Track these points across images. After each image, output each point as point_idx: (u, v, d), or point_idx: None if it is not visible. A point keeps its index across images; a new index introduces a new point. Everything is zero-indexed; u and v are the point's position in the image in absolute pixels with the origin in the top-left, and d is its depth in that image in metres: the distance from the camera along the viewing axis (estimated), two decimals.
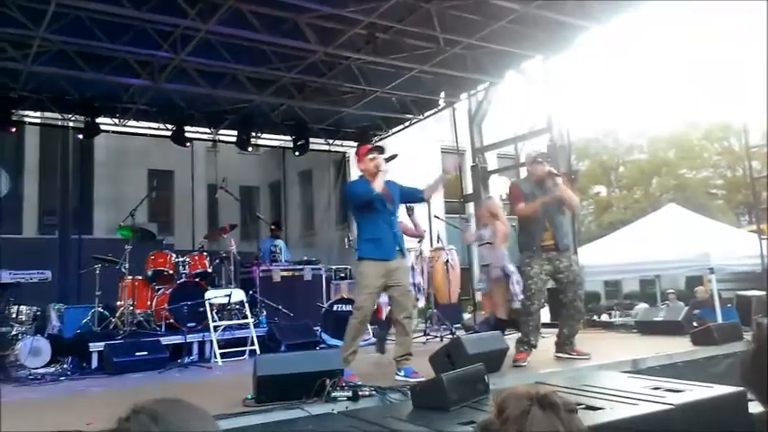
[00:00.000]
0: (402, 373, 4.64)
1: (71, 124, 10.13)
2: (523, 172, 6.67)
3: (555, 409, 1.18)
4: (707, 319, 7.96)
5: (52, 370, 6.21)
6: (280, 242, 9.39)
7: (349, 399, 3.63)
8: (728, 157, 25.89)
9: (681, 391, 3.33)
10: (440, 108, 11.48)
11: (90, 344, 6.33)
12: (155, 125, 10.92)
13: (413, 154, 17.06)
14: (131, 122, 10.68)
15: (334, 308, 7.79)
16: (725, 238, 11.60)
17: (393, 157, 5.94)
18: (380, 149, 4.92)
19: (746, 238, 11.26)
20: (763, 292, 8.91)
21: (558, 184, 5.31)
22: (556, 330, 5.54)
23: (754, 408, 3.00)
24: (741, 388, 3.12)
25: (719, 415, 3.11)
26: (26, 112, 9.92)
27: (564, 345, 5.34)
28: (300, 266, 9.00)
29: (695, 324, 7.21)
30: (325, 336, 7.50)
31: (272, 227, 9.91)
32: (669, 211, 13.52)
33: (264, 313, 8.04)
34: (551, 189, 5.31)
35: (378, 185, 4.70)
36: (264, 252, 9.13)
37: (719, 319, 8.42)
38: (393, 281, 4.74)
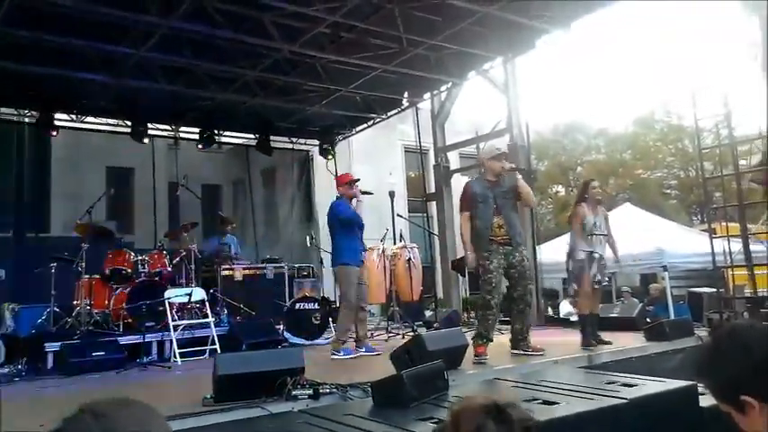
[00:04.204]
0: (363, 349, 6.15)
1: (27, 120, 9.86)
2: None
3: (510, 425, 1.18)
4: (660, 316, 8.22)
5: (6, 371, 6.03)
6: (229, 238, 9.18)
7: (310, 397, 3.65)
8: (682, 159, 26.62)
9: (634, 385, 3.44)
10: (403, 107, 11.53)
11: (45, 344, 6.19)
12: (113, 121, 10.71)
13: (376, 153, 17.13)
14: (89, 119, 10.45)
15: (297, 306, 7.77)
16: (678, 237, 11.96)
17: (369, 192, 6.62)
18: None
19: (698, 236, 11.62)
20: (714, 289, 9.23)
21: (518, 179, 5.46)
22: (509, 327, 5.64)
23: (705, 401, 3.14)
24: (692, 382, 3.24)
25: (671, 408, 3.22)
26: None
27: (518, 341, 5.43)
28: (263, 265, 8.95)
29: (648, 320, 7.44)
30: (287, 334, 7.48)
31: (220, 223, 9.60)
32: (625, 211, 13.86)
33: (226, 312, 7.98)
34: (506, 188, 5.43)
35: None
36: (211, 253, 8.94)
37: (672, 316, 8.69)
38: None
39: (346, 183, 6.41)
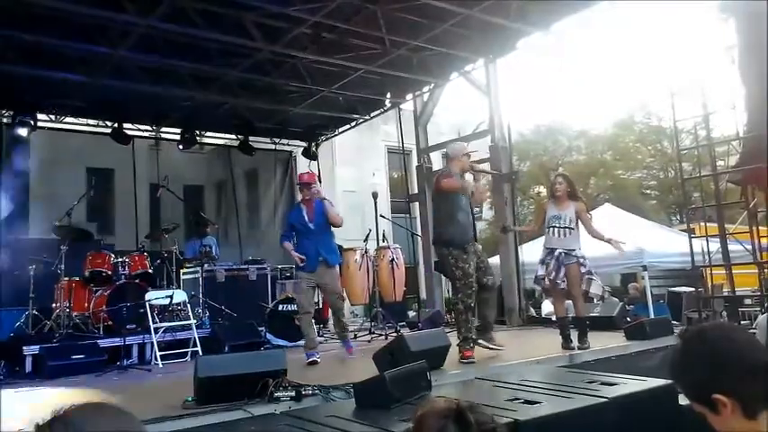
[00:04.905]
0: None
1: (5, 120, 9.71)
2: None
3: (468, 428, 1.22)
4: (640, 315, 8.31)
5: None
6: (209, 239, 9.07)
7: (292, 398, 3.63)
8: (661, 159, 26.87)
9: (615, 384, 3.47)
10: (386, 108, 11.55)
11: (24, 347, 6.14)
12: (93, 122, 10.59)
13: (359, 153, 17.15)
14: (69, 119, 10.32)
15: (279, 308, 7.72)
16: (657, 237, 12.07)
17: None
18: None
19: (678, 236, 11.75)
20: (693, 289, 9.34)
21: (479, 179, 5.69)
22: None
23: (684, 400, 3.17)
24: (671, 381, 3.30)
25: (651, 407, 3.25)
26: None
27: (488, 329, 5.44)
28: (245, 266, 8.90)
29: (629, 319, 7.52)
30: (270, 336, 7.45)
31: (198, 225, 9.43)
32: (605, 211, 13.95)
33: (207, 314, 7.92)
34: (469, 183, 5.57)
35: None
36: (194, 254, 8.82)
37: (651, 315, 8.78)
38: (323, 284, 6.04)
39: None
